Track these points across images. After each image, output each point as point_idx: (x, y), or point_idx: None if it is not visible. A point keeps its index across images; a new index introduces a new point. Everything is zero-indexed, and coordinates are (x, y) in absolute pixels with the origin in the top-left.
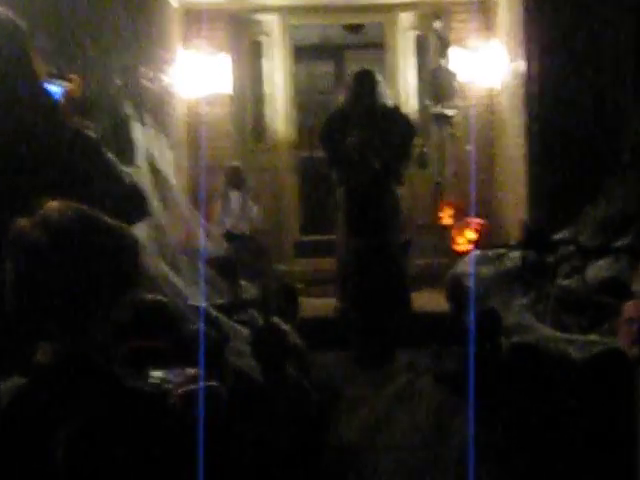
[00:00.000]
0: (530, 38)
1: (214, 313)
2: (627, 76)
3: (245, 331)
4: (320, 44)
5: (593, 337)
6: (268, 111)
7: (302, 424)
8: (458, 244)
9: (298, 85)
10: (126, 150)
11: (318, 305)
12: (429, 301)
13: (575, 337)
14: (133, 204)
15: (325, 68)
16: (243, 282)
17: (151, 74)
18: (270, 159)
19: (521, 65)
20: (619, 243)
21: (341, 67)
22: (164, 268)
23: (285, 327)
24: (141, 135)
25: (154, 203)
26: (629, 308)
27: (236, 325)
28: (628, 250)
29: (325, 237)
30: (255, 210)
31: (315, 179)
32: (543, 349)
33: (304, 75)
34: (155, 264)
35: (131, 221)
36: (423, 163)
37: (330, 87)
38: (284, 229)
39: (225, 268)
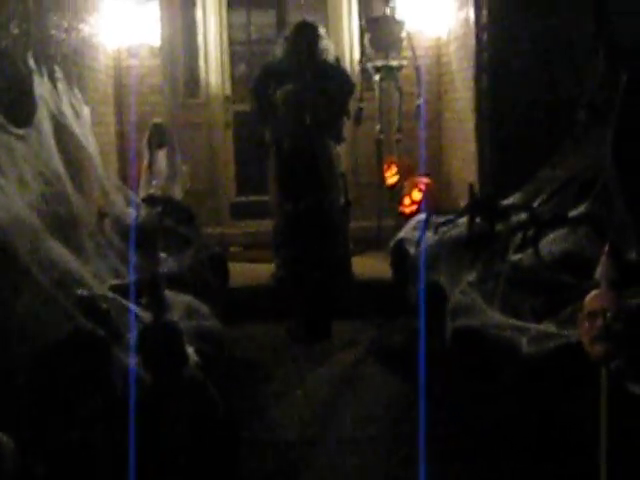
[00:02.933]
0: None
1: (106, 301)
2: (585, 23)
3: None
4: None
5: (549, 327)
6: (201, 63)
7: (202, 427)
8: (405, 205)
9: (234, 35)
10: (25, 107)
11: (255, 271)
12: (373, 267)
13: (528, 325)
14: None
15: (265, 17)
16: (164, 255)
17: (65, 23)
18: (204, 114)
19: (470, 13)
20: (576, 212)
21: (282, 15)
22: (53, 245)
23: (180, 326)
24: (47, 91)
25: (58, 169)
26: (591, 301)
27: (139, 311)
28: (586, 220)
29: (264, 197)
30: (184, 169)
31: (252, 135)
32: (489, 336)
33: (241, 24)
34: (44, 241)
35: None
36: (358, 119)
37: (270, 37)
38: (219, 189)
39: (141, 238)
